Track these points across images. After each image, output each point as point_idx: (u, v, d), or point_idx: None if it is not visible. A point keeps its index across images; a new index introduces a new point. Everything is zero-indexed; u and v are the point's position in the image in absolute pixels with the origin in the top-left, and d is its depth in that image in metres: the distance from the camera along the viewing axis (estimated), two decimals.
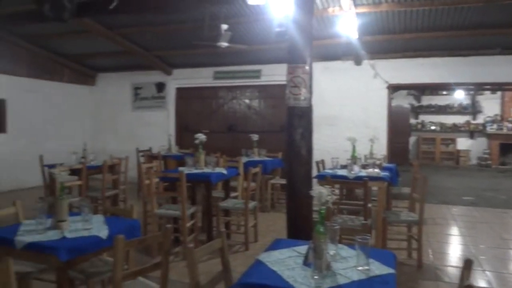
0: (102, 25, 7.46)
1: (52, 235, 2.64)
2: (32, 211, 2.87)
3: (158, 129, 9.66)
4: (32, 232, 2.69)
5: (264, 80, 9.02)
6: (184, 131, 9.72)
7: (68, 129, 9.69)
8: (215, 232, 4.85)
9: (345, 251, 2.27)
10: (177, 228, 4.77)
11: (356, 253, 2.05)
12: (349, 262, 2.12)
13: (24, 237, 2.58)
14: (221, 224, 5.09)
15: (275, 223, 6.06)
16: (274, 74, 8.59)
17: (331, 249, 2.13)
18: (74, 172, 5.49)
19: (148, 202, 4.84)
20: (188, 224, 4.52)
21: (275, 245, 2.43)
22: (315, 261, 1.93)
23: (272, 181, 7.02)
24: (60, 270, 2.54)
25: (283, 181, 7.11)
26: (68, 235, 2.65)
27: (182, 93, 9.87)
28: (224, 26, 6.36)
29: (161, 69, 9.68)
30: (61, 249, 2.44)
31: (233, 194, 5.65)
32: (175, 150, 8.41)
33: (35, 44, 8.74)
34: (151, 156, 7.55)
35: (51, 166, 5.46)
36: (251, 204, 5.00)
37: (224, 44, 6.52)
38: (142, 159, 7.79)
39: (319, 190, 2.07)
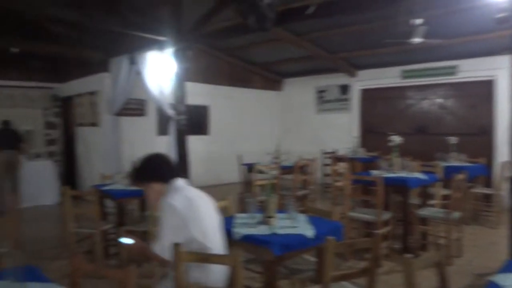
0: (291, 32, 7.82)
1: (263, 230, 2.80)
2: None
3: (341, 131, 9.65)
4: (245, 225, 2.91)
5: (461, 76, 8.08)
6: (368, 133, 9.46)
7: (259, 131, 10.49)
8: (411, 241, 4.51)
9: None
10: (369, 233, 4.60)
11: None
12: None
13: (240, 229, 2.81)
14: (418, 233, 4.70)
15: (478, 237, 5.34)
16: (475, 69, 7.62)
17: None
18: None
19: (340, 204, 4.80)
20: (382, 231, 4.31)
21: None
22: None
23: (474, 190, 6.20)
24: (271, 263, 2.67)
25: (488, 191, 6.22)
26: (279, 231, 2.77)
27: (366, 94, 9.63)
28: (418, 21, 5.91)
29: (345, 71, 9.64)
30: (275, 244, 2.56)
31: (430, 202, 5.18)
32: (361, 152, 8.23)
33: (232, 55, 9.76)
34: (336, 158, 7.56)
35: (248, 165, 5.94)
36: (455, 214, 4.47)
37: (418, 40, 6.06)
38: (327, 161, 7.86)
39: None
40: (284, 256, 2.71)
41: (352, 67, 9.56)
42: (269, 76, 10.94)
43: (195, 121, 7.80)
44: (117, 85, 7.21)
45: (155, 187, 2.44)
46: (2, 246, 3.68)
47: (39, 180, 7.80)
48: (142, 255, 2.61)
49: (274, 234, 2.72)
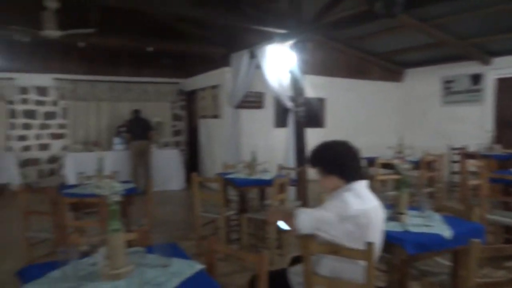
0: (416, 18, 7.29)
1: (394, 226, 2.65)
2: None
3: (471, 126, 8.74)
4: None
5: None
6: (505, 128, 8.41)
7: (378, 124, 10.04)
8: None
9: None
10: (509, 240, 4.08)
11: None
12: None
13: None
14: None
15: None
16: None
17: None
18: (387, 166, 5.56)
19: (473, 205, 4.34)
20: None
21: None
22: None
23: None
24: (403, 262, 2.51)
25: None
26: (411, 229, 2.59)
27: (503, 84, 8.56)
28: None
29: (477, 59, 8.69)
30: (408, 242, 2.40)
31: None
32: (496, 149, 7.35)
33: (349, 46, 9.47)
34: (466, 155, 6.87)
35: (369, 159, 5.70)
36: None
37: None
38: (455, 158, 7.19)
39: None
40: (418, 256, 2.53)
41: (486, 54, 8.57)
42: (389, 67, 10.38)
43: (311, 113, 7.75)
44: (237, 79, 7.50)
45: (334, 180, 2.28)
46: (141, 222, 4.10)
47: (166, 167, 8.53)
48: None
49: (407, 232, 2.55)
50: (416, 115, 10.09)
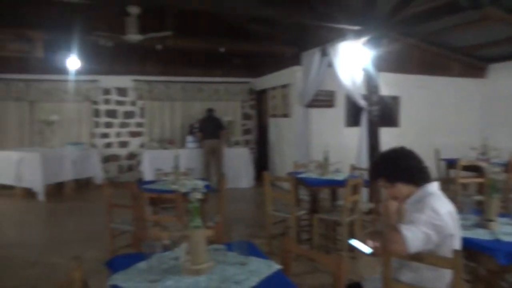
0: (503, 9, 6.72)
1: (482, 234, 2.46)
2: None
3: None
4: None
5: None
6: None
7: (457, 124, 9.43)
8: None
9: None
10: None
11: None
12: None
13: None
14: None
15: None
16: None
17: None
18: (470, 168, 5.21)
19: None
20: None
21: None
22: None
23: None
24: (493, 273, 2.33)
25: None
26: (503, 237, 2.39)
27: None
28: None
29: None
30: (500, 251, 2.21)
31: None
32: None
33: (425, 41, 8.97)
34: None
35: (450, 161, 5.38)
36: None
37: None
38: None
39: None
40: (510, 267, 2.33)
41: None
42: (470, 62, 9.68)
43: (385, 112, 7.46)
44: (308, 78, 7.44)
45: (401, 187, 2.16)
46: (216, 219, 4.20)
47: (237, 165, 8.69)
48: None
49: (498, 241, 2.36)
50: (501, 113, 9.31)
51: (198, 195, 1.86)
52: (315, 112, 7.97)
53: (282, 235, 4.92)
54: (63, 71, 8.55)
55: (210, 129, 8.50)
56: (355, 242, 2.14)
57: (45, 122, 8.19)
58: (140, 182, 4.44)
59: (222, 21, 8.54)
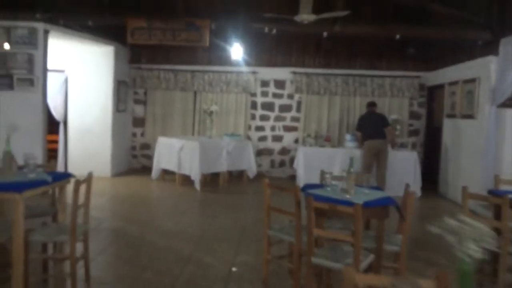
0: None
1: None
2: None
3: None
4: None
5: None
6: None
7: None
8: None
9: None
10: None
11: None
12: None
13: None
14: None
15: None
16: None
17: None
18: None
19: None
20: None
21: None
22: None
23: None
24: None
25: None
26: None
27: None
28: None
29: None
30: None
31: None
32: None
33: None
34: None
35: None
36: None
37: None
38: None
39: None
40: None
41: None
42: None
43: None
44: (506, 71, 5.92)
45: None
46: (397, 241, 3.32)
47: (402, 171, 7.48)
48: None
49: None
50: None
51: (478, 253, 1.04)
52: (511, 114, 6.39)
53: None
54: (225, 62, 8.66)
55: (372, 127, 7.35)
56: None
57: (206, 112, 8.30)
58: (306, 186, 3.80)
59: (397, 2, 7.43)
